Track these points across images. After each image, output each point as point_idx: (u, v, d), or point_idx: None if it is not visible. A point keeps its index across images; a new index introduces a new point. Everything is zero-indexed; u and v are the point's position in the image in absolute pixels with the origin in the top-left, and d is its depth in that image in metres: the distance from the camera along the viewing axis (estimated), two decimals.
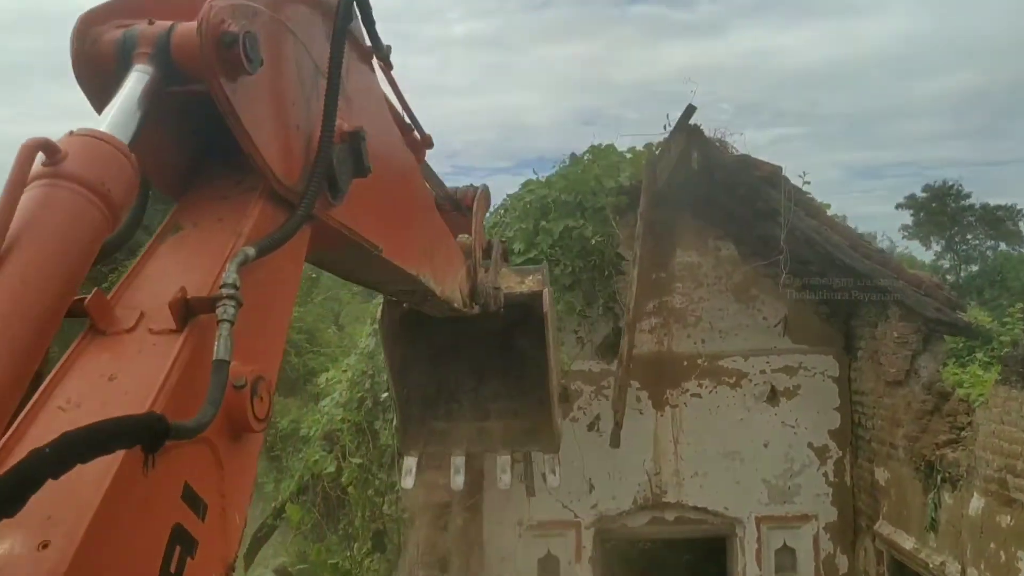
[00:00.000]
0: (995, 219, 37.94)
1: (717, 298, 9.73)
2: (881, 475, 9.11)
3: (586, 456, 9.11)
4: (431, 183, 4.28)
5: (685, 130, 8.65)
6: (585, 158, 10.21)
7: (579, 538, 9.47)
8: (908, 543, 8.45)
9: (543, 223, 9.48)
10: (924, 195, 38.50)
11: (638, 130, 13.92)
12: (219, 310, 1.72)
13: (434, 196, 4.25)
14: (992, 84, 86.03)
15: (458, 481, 5.33)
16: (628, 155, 10.21)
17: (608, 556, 10.20)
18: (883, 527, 8.97)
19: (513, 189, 10.50)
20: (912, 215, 38.96)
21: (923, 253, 39.45)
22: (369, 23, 2.73)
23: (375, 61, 2.94)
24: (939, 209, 37.86)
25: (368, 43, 2.80)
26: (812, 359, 9.72)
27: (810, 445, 9.67)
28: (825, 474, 9.67)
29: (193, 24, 1.84)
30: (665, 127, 9.02)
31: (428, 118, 3.66)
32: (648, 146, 9.75)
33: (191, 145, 2.21)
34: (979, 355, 15.68)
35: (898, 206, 39.13)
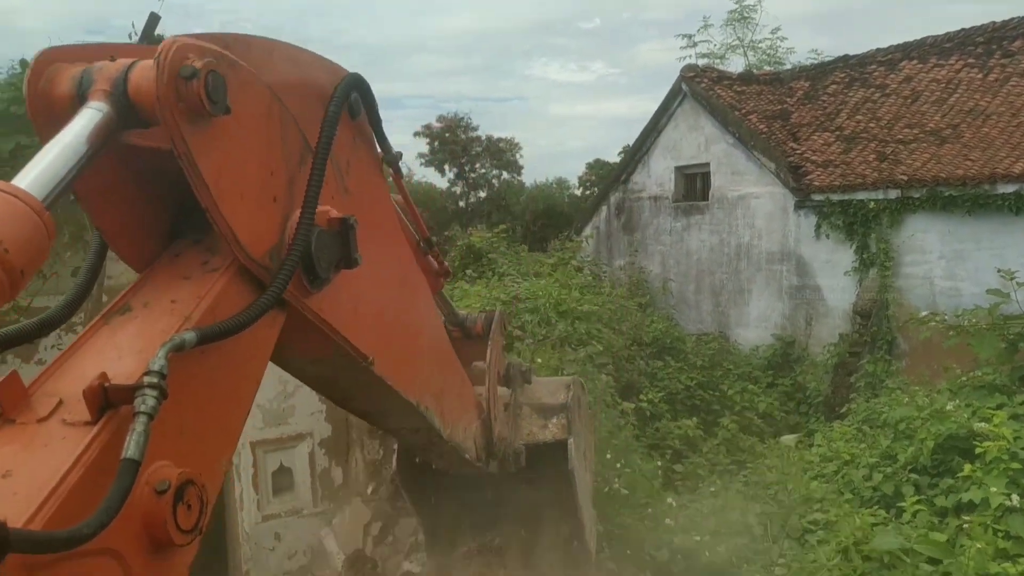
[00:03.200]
0: (498, 150, 42.31)
1: None
2: None
3: None
4: (440, 308, 3.66)
5: (153, 41, 7.99)
6: None
7: None
8: None
9: None
10: (439, 125, 41.48)
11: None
12: (137, 400, 1.51)
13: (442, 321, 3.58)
14: (489, 27, 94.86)
15: None
16: None
17: None
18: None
19: None
20: (428, 144, 41.76)
21: (439, 180, 42.66)
22: (375, 123, 2.59)
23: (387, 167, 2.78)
24: (452, 139, 41.10)
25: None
26: None
27: None
28: None
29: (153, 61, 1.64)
30: (131, 36, 8.25)
31: None
32: None
33: (165, 216, 1.97)
34: (469, 271, 17.48)
35: (415, 134, 41.63)
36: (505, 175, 43.41)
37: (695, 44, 29.77)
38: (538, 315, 12.00)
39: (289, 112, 2.08)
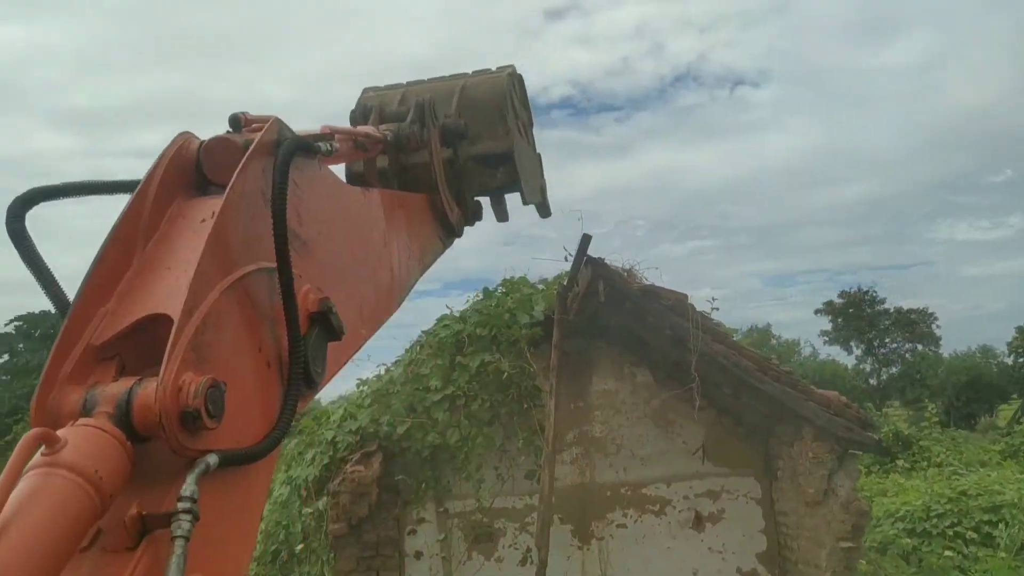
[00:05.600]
0: (909, 322, 39.29)
1: (636, 425, 9.73)
2: None
3: None
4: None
5: (588, 262, 8.82)
6: (499, 291, 10.32)
7: None
8: None
9: (459, 358, 9.46)
10: (841, 301, 39.76)
11: (556, 248, 14.51)
12: (173, 525, 1.65)
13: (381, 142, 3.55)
14: (884, 193, 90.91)
15: None
16: (541, 287, 10.38)
17: None
18: None
19: (440, 310, 10.56)
20: (831, 320, 40.11)
21: (845, 357, 40.48)
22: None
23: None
24: (856, 315, 39.07)
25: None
26: (734, 481, 9.72)
27: (739, 570, 9.55)
28: None
29: (152, 390, 1.70)
30: (566, 257, 9.19)
31: None
32: (558, 277, 9.92)
33: None
34: (900, 461, 16.02)
35: (817, 312, 40.36)
36: (919, 347, 39.98)
37: None
38: (1000, 516, 10.52)
39: (253, 276, 2.03)
